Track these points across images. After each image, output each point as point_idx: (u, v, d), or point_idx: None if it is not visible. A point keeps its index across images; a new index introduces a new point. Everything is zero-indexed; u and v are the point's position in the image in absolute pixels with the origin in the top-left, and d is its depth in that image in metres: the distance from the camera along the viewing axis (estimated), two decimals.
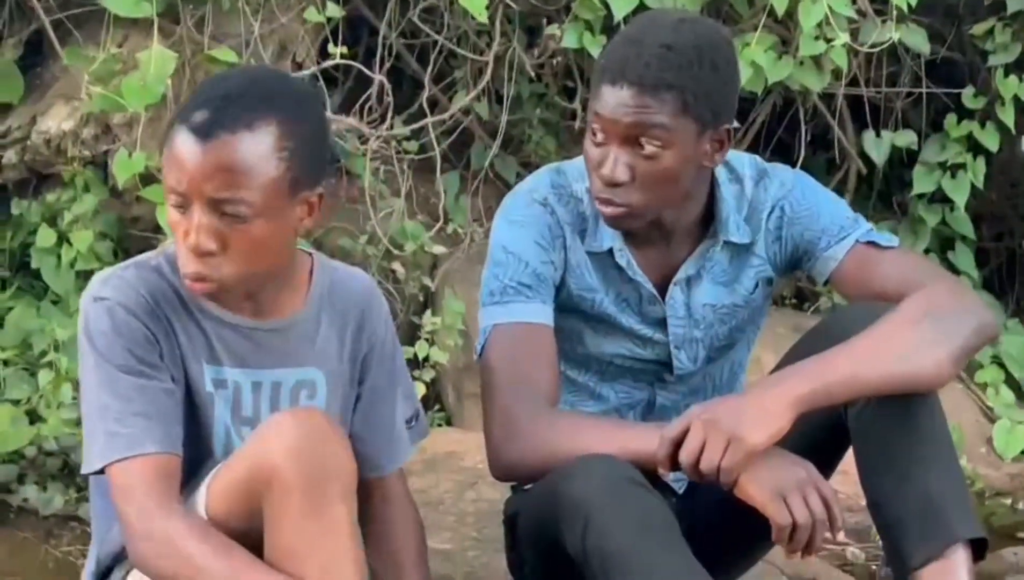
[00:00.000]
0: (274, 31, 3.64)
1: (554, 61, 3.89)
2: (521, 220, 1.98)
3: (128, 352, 1.68)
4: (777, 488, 1.68)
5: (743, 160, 2.07)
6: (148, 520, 1.61)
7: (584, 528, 1.68)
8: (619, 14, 3.58)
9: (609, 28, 3.65)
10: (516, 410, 1.85)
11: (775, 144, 4.29)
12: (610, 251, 1.99)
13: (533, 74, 3.93)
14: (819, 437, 1.86)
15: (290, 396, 1.79)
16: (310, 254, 1.86)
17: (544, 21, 3.82)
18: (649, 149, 1.82)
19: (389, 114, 3.71)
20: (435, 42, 3.81)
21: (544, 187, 2.01)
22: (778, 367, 1.98)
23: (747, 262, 2.03)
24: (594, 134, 1.88)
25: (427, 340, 3.48)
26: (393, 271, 3.67)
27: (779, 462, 1.70)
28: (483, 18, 3.59)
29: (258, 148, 1.64)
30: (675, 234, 2.00)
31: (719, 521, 1.92)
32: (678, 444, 1.72)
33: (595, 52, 3.62)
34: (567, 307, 2.01)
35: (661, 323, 2.03)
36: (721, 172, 2.01)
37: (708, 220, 2.01)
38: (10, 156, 3.43)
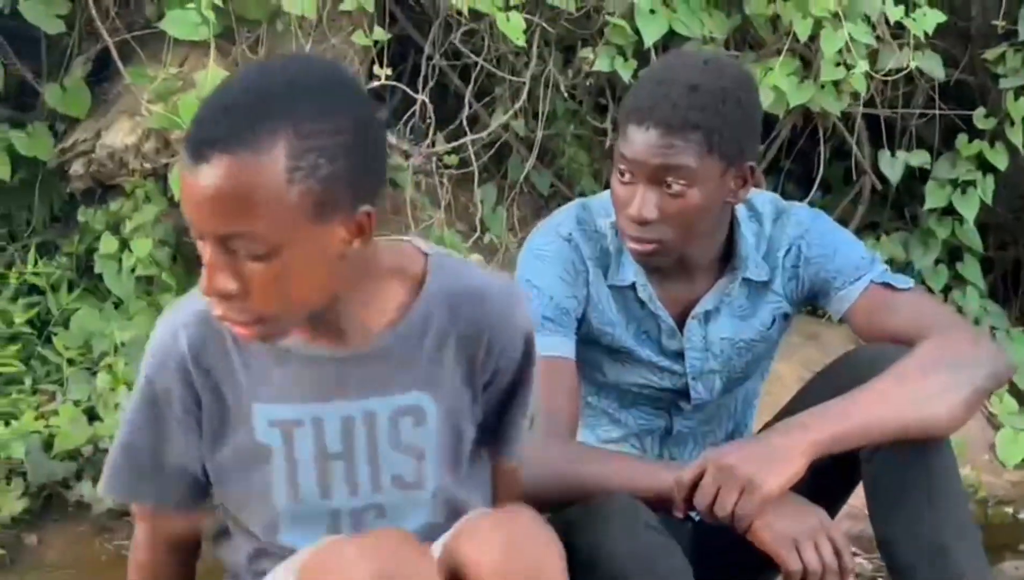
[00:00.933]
0: (325, 51, 3.57)
1: (588, 82, 3.79)
2: (546, 254, 1.91)
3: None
4: (789, 535, 1.61)
5: (763, 198, 1.98)
6: None
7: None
8: (649, 40, 3.50)
9: (640, 53, 3.56)
10: (536, 442, 1.77)
11: (795, 157, 4.19)
12: (632, 285, 1.91)
13: (567, 93, 3.84)
14: (829, 475, 1.77)
15: (389, 426, 1.45)
16: (426, 255, 1.46)
17: (578, 44, 3.73)
18: (676, 188, 1.74)
19: (431, 131, 3.65)
20: (475, 62, 3.72)
21: (569, 222, 1.93)
22: (792, 404, 1.91)
23: (764, 298, 1.95)
24: (621, 174, 1.80)
25: None
26: None
27: (792, 509, 1.63)
28: (520, 42, 3.51)
29: (262, 170, 1.25)
30: (696, 269, 1.92)
31: (732, 548, 1.83)
32: (694, 486, 1.64)
33: (626, 75, 3.54)
34: (588, 339, 1.93)
35: (679, 355, 1.95)
36: (741, 209, 1.92)
37: (728, 256, 1.93)
38: (77, 167, 3.39)
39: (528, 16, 3.59)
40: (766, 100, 3.57)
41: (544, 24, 3.66)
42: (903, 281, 1.90)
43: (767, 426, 2.02)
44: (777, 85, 3.55)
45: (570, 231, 1.92)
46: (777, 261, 1.92)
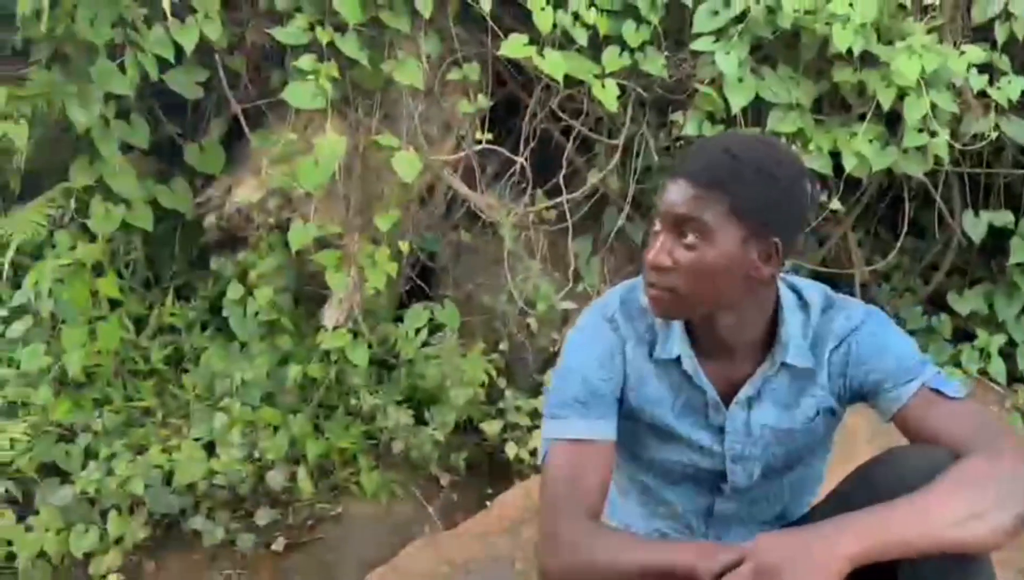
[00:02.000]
0: (435, 116, 3.56)
1: (678, 143, 3.68)
2: (587, 336, 1.83)
3: None
4: None
5: (814, 289, 1.86)
6: None
7: None
8: (736, 107, 3.38)
9: (727, 120, 3.44)
10: (560, 525, 1.70)
11: (890, 203, 4.00)
12: (678, 359, 1.81)
13: (661, 150, 3.74)
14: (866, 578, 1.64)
15: None
16: None
17: (669, 108, 3.62)
18: (691, 239, 1.65)
19: (530, 189, 3.61)
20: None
21: (614, 303, 1.85)
22: (834, 497, 1.78)
23: (808, 390, 1.82)
24: (655, 226, 1.73)
25: None
26: (528, 325, 3.55)
27: None
28: (614, 108, 3.44)
29: None
30: (737, 350, 1.80)
31: None
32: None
33: None
34: (630, 416, 1.85)
35: (721, 431, 1.84)
36: (790, 297, 1.81)
37: (772, 341, 1.81)
38: (210, 220, 3.45)
39: (623, 82, 3.52)
40: (849, 164, 3.44)
41: (638, 89, 3.58)
42: (955, 389, 1.74)
43: (815, 508, 1.91)
44: (860, 152, 3.39)
45: (613, 312, 1.84)
46: (824, 354, 1.79)
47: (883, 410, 1.77)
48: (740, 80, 3.40)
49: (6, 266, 3.26)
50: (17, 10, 3.01)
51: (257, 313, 3.35)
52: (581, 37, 3.45)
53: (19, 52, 3.30)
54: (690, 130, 3.47)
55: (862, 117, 3.48)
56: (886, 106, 3.37)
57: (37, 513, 2.85)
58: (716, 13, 3.44)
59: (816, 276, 3.75)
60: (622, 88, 3.52)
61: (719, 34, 3.43)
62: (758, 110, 3.50)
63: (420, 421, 3.34)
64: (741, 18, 3.39)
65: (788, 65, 3.48)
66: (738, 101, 3.39)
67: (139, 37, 3.23)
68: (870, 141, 3.44)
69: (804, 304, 1.81)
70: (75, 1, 3.10)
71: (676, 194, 1.65)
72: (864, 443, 2.93)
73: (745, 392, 1.80)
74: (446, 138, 3.65)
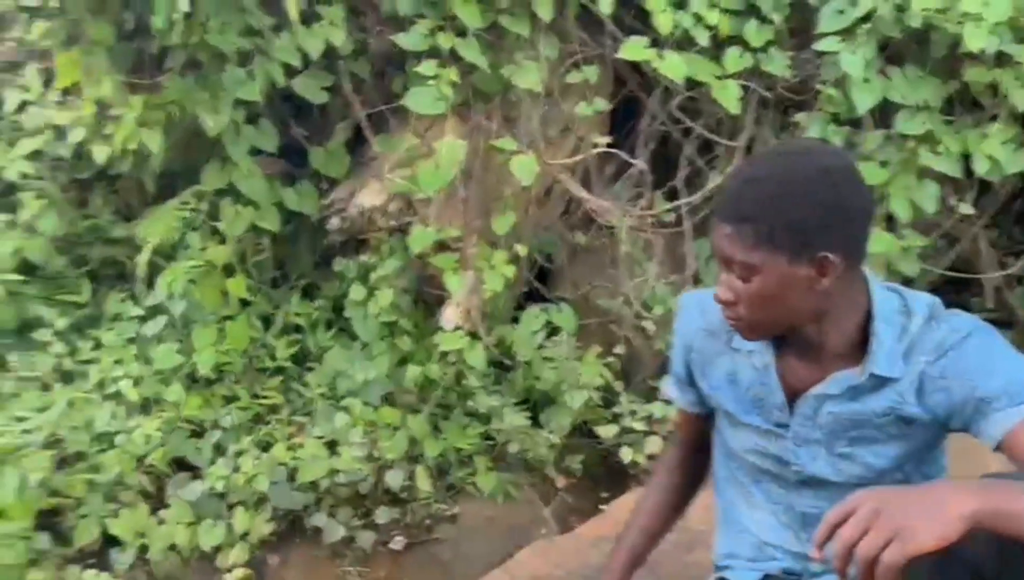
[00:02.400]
0: (554, 118, 3.55)
1: None
2: (681, 314, 1.92)
3: None
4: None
5: (924, 300, 1.75)
6: None
7: None
8: (862, 108, 3.28)
9: (853, 121, 3.34)
10: None
11: (1017, 215, 3.84)
12: (752, 351, 1.80)
13: None
14: None
15: None
16: None
17: (792, 109, 3.53)
18: (739, 273, 1.65)
19: (648, 191, 3.57)
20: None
21: (708, 291, 1.84)
22: None
23: (885, 392, 1.72)
24: None
25: (665, 401, 3.30)
26: (644, 329, 3.52)
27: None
28: (735, 110, 3.38)
29: None
30: (824, 353, 1.74)
31: None
32: (838, 525, 1.39)
33: (837, 141, 3.34)
34: (707, 404, 1.91)
35: (784, 425, 1.81)
36: (891, 304, 1.72)
37: (864, 347, 1.72)
38: (334, 223, 3.50)
39: (745, 83, 3.45)
40: (980, 167, 3.30)
41: (761, 90, 3.50)
42: None
43: None
44: (992, 155, 3.25)
45: (701, 299, 1.88)
46: (917, 365, 1.69)
47: (988, 435, 1.62)
48: (866, 80, 3.29)
49: (142, 267, 3.38)
50: (153, 20, 3.12)
51: (378, 314, 3.40)
52: (702, 38, 3.39)
53: (154, 61, 3.42)
54: (814, 132, 3.37)
55: (994, 118, 3.34)
56: (1020, 107, 3.23)
57: (169, 506, 2.95)
58: (842, 12, 3.33)
59: (946, 280, 3.64)
60: (743, 89, 3.44)
61: (845, 33, 3.32)
62: (885, 111, 3.39)
63: (536, 423, 3.34)
64: (868, 17, 3.28)
65: (916, 65, 3.35)
66: (864, 102, 3.28)
67: (266, 45, 3.30)
68: (1003, 143, 3.29)
69: (908, 311, 1.72)
70: (207, 11, 3.19)
71: (716, 236, 1.66)
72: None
73: (823, 388, 1.74)
74: (565, 140, 3.63)
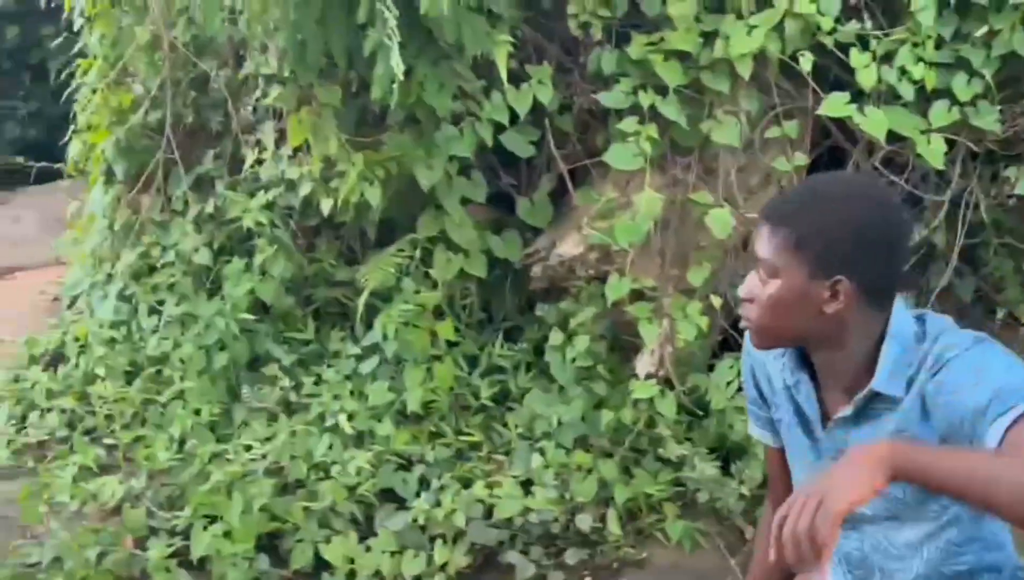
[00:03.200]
0: (753, 173, 3.56)
1: (1010, 201, 3.46)
2: (746, 341, 1.86)
3: None
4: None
5: (939, 321, 1.70)
6: None
7: None
8: None
9: None
10: None
11: None
12: (797, 382, 1.79)
13: (992, 206, 3.53)
14: None
15: None
16: None
17: (1002, 163, 3.41)
18: (763, 274, 1.65)
19: None
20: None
21: None
22: None
23: (893, 415, 1.67)
24: None
25: None
26: None
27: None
28: (940, 166, 3.30)
29: None
30: (838, 375, 1.72)
31: None
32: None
33: None
34: (777, 430, 1.91)
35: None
36: (912, 328, 1.67)
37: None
38: (537, 270, 3.64)
39: (952, 137, 3.36)
40: None
41: (968, 144, 3.40)
42: None
43: None
44: None
45: None
46: (921, 382, 1.63)
47: (989, 448, 1.48)
48: None
49: (361, 308, 3.62)
50: (373, 82, 3.34)
51: (575, 359, 3.50)
52: (907, 92, 3.33)
53: (376, 118, 3.66)
54: (1021, 189, 3.26)
55: None
56: None
57: (376, 535, 3.14)
58: None
59: None
60: (950, 143, 3.36)
61: None
62: None
63: (727, 473, 3.36)
64: None
65: None
66: None
67: (477, 107, 3.48)
68: None
69: (922, 333, 1.66)
70: (424, 74, 3.40)
71: (756, 233, 1.68)
72: None
73: (842, 411, 1.71)
74: (765, 191, 3.64)
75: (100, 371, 3.76)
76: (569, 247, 3.57)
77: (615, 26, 3.51)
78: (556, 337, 3.57)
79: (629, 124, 3.39)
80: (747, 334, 1.82)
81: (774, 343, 1.75)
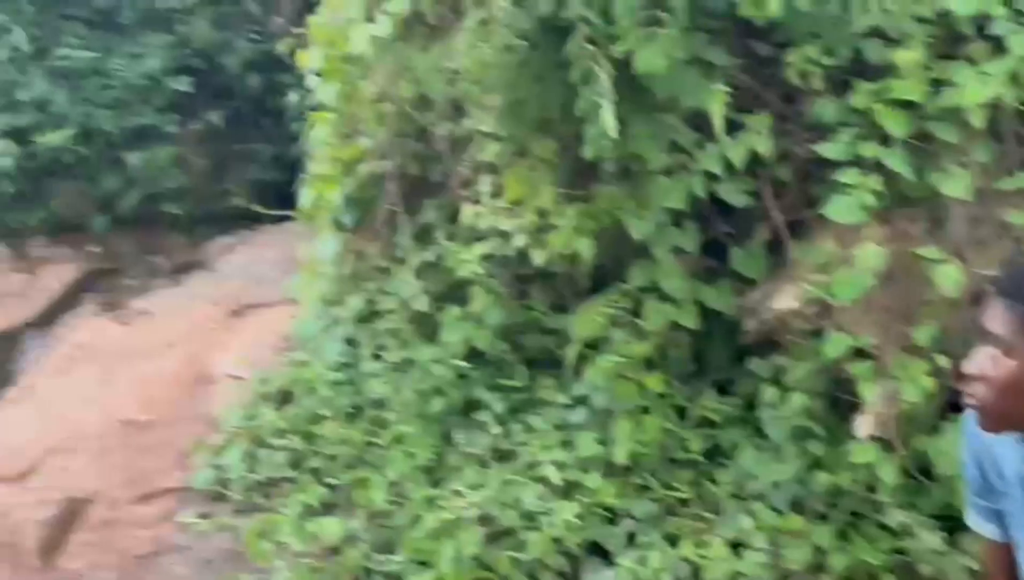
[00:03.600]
0: (984, 227, 3.35)
1: None
2: (965, 426, 1.78)
3: None
4: None
5: None
6: None
7: None
8: None
9: None
10: None
11: None
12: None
13: None
14: None
15: None
16: None
17: None
18: (994, 351, 1.54)
19: None
20: None
21: None
22: None
23: None
24: None
25: None
26: None
27: None
28: None
29: None
30: None
31: None
32: None
33: None
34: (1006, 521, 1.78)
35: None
36: None
37: None
38: (750, 323, 3.55)
39: None
40: None
41: None
42: None
43: None
44: None
45: None
46: None
47: None
48: None
49: (571, 358, 3.63)
50: (587, 134, 3.36)
51: (790, 417, 3.39)
52: None
53: (589, 170, 3.68)
54: None
55: None
56: None
57: None
58: None
59: None
60: None
61: None
62: None
63: (953, 544, 3.15)
64: None
65: None
66: None
67: (690, 159, 3.44)
68: None
69: None
70: (637, 128, 3.39)
71: (986, 308, 1.58)
72: None
73: None
74: (997, 245, 3.41)
75: (325, 411, 3.94)
76: (785, 300, 3.47)
77: (836, 74, 3.40)
78: (769, 393, 3.46)
79: (851, 175, 3.25)
80: (970, 414, 1.72)
81: (1005, 427, 1.64)
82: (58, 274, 6.29)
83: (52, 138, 6.77)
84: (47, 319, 5.77)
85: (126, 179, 7.20)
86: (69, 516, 3.75)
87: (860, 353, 3.35)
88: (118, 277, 6.59)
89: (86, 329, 5.50)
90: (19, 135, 6.78)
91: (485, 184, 3.79)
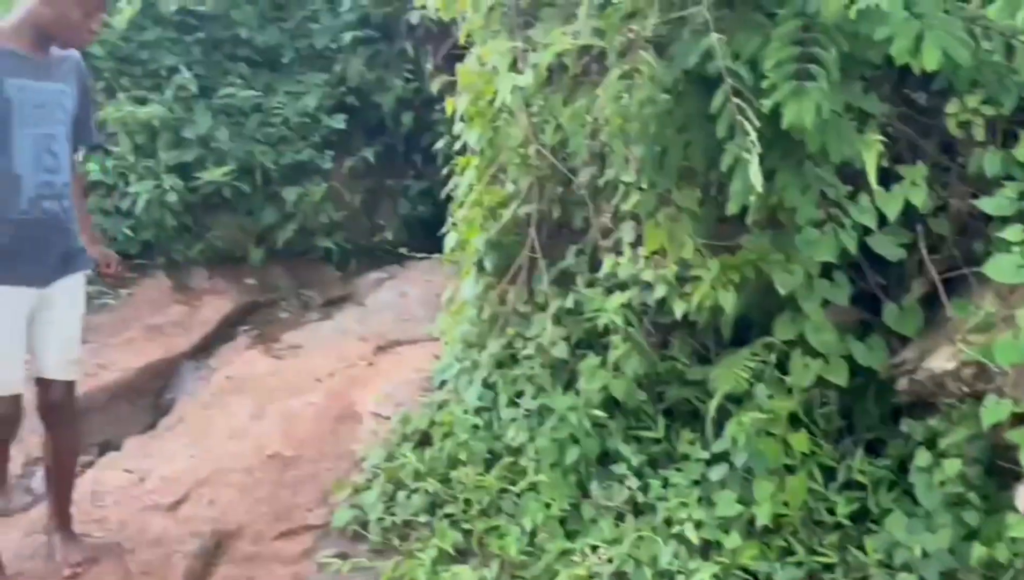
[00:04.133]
0: None
1: None
2: None
3: None
4: None
5: None
6: None
7: None
8: None
9: None
10: None
11: None
12: None
13: None
14: None
15: None
16: None
17: None
18: None
19: None
20: None
21: None
22: None
23: None
24: None
25: None
26: None
27: None
28: None
29: None
30: None
31: None
32: None
33: None
34: None
35: None
36: None
37: None
38: (903, 383, 3.40)
39: None
40: None
41: None
42: None
43: None
44: None
45: None
46: None
47: None
48: None
49: (712, 413, 3.54)
50: (732, 188, 3.28)
51: (944, 483, 3.21)
52: None
53: (733, 220, 3.59)
54: None
55: None
56: None
57: None
58: None
59: None
60: None
61: None
62: None
63: None
64: None
65: None
66: None
67: (840, 212, 3.31)
68: None
69: None
70: (785, 179, 3.30)
71: None
72: None
73: None
74: None
75: (462, 456, 3.94)
76: (940, 361, 3.30)
77: (1000, 125, 3.23)
78: (923, 457, 3.29)
79: (1014, 232, 3.08)
80: None
81: None
82: (216, 306, 6.53)
83: (214, 174, 7.07)
84: (203, 350, 5.98)
85: (282, 213, 7.46)
86: (215, 549, 3.86)
87: (1021, 419, 3.16)
88: (273, 310, 6.81)
89: (239, 361, 5.69)
90: (183, 170, 7.10)
91: (627, 233, 3.75)
